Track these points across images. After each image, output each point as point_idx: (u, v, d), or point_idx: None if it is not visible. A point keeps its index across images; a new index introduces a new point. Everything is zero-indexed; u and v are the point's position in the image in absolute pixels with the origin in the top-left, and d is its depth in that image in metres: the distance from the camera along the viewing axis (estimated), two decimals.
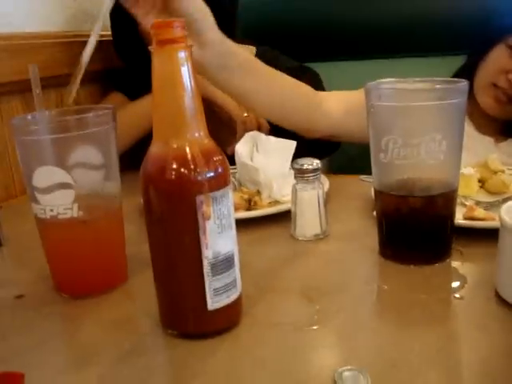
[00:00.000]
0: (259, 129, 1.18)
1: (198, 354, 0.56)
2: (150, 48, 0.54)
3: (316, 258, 0.77)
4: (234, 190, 0.99)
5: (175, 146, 0.55)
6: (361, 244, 0.79)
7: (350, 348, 0.55)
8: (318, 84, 1.36)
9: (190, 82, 0.54)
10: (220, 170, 0.56)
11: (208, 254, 0.55)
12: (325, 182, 0.99)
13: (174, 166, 0.54)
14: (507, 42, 1.33)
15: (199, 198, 0.54)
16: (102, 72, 1.43)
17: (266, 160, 0.95)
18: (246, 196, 0.92)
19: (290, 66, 1.33)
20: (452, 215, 0.72)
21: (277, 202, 0.93)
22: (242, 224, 0.85)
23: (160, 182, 0.55)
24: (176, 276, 0.58)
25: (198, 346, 0.58)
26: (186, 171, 0.54)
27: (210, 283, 0.56)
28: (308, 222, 0.81)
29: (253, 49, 1.38)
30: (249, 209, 0.91)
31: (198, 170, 0.54)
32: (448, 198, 0.70)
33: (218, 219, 0.55)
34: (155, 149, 0.56)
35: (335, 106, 1.12)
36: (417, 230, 0.71)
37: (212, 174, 0.55)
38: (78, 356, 0.59)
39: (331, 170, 1.41)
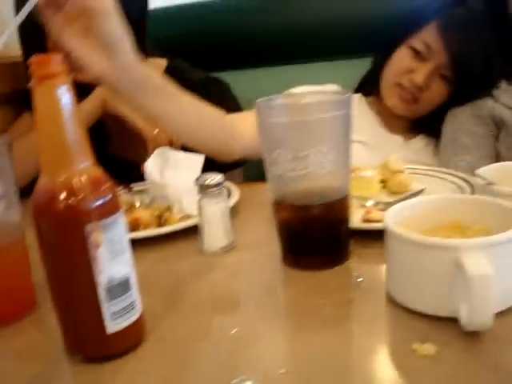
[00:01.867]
0: (171, 145, 1.19)
1: (102, 378, 0.58)
2: (30, 84, 0.55)
3: (223, 270, 0.79)
4: (146, 207, 1.00)
5: (62, 178, 0.56)
6: (266, 253, 0.81)
7: (246, 358, 0.58)
8: (227, 94, 1.39)
9: (71, 114, 0.56)
10: (109, 197, 0.57)
11: (102, 281, 0.57)
12: (235, 192, 1.02)
13: (62, 197, 0.55)
14: (409, 44, 1.39)
15: (88, 227, 0.55)
16: (14, 93, 1.42)
17: (175, 175, 0.97)
18: (156, 212, 0.94)
19: (199, 77, 1.35)
20: (346, 220, 0.75)
21: (189, 217, 0.94)
22: (151, 241, 0.87)
23: (49, 213, 0.56)
24: (72, 303, 0.59)
25: (102, 369, 0.59)
26: (73, 201, 0.55)
27: (108, 308, 0.58)
28: (214, 236, 0.83)
29: (163, 62, 1.39)
30: (160, 225, 0.93)
31: (86, 199, 0.56)
32: (341, 204, 0.74)
33: (110, 245, 0.57)
34: (43, 181, 0.57)
35: (247, 129, 1.13)
36: (313, 236, 0.74)
37: (100, 202, 0.57)
38: None
39: (248, 177, 1.44)
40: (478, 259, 0.55)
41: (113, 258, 0.57)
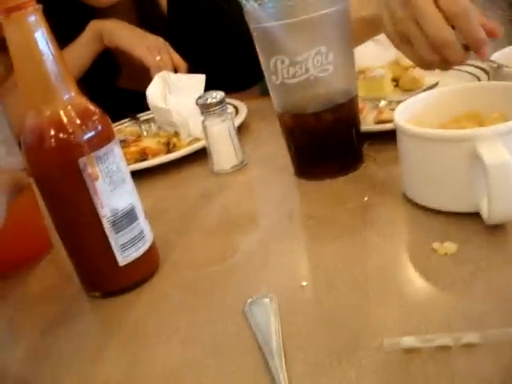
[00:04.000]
0: (176, 70, 1.15)
1: (120, 309, 0.57)
2: None
3: (235, 190, 0.77)
4: (153, 135, 0.98)
5: (48, 112, 0.53)
6: (279, 167, 0.79)
7: (263, 277, 0.56)
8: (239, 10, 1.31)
9: (48, 44, 0.52)
10: (100, 127, 0.55)
11: (105, 213, 0.55)
12: (242, 109, 0.98)
13: (52, 134, 0.53)
14: None
15: (82, 161, 0.53)
16: None
17: (179, 98, 0.94)
18: (163, 140, 0.91)
19: None
20: (356, 123, 0.72)
21: (198, 140, 0.92)
22: (162, 169, 0.85)
23: (41, 151, 0.54)
24: (80, 240, 0.58)
25: (119, 301, 0.59)
26: (63, 136, 0.53)
27: (116, 240, 0.57)
28: (223, 155, 0.81)
29: None
30: (169, 151, 0.90)
31: (75, 132, 0.53)
32: (349, 107, 0.70)
33: (108, 177, 0.55)
34: (30, 119, 0.54)
35: None
36: (323, 144, 0.71)
37: (91, 134, 0.54)
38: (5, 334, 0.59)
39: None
40: (495, 147, 0.51)
41: (113, 189, 0.56)
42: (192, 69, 1.12)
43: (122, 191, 0.57)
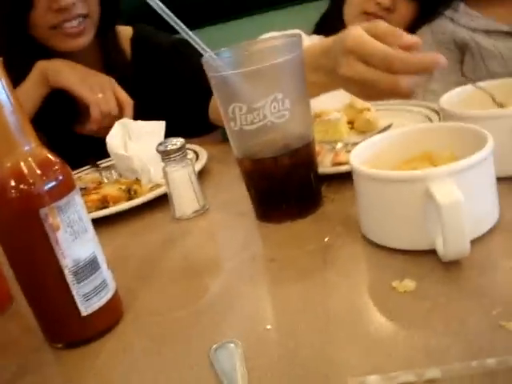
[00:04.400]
0: (121, 106, 1.16)
1: (84, 361, 0.56)
2: None
3: (197, 235, 0.78)
4: (114, 182, 0.98)
5: (9, 164, 0.54)
6: (240, 211, 0.79)
7: (227, 321, 0.57)
8: (199, 55, 1.35)
9: (7, 96, 0.53)
10: (60, 177, 0.55)
11: (67, 263, 0.55)
12: (202, 154, 1.00)
13: (12, 184, 0.53)
14: None
15: (43, 211, 0.53)
16: None
17: (139, 145, 0.94)
18: (123, 186, 0.92)
19: (169, 40, 1.32)
20: (314, 166, 0.74)
21: (159, 186, 0.92)
22: (123, 217, 0.85)
23: (1, 202, 0.54)
24: (42, 291, 0.57)
25: (83, 352, 0.58)
26: (24, 187, 0.53)
27: (78, 290, 0.56)
28: (185, 201, 0.81)
29: (129, 31, 1.35)
30: (130, 198, 0.90)
31: (36, 183, 0.53)
32: (306, 151, 0.72)
33: (69, 227, 0.55)
34: None
35: None
36: (282, 187, 0.72)
37: (52, 184, 0.54)
38: None
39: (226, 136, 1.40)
40: (446, 187, 0.53)
41: (75, 239, 0.55)
42: (154, 114, 1.12)
43: (84, 240, 0.57)
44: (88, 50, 1.23)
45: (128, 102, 1.18)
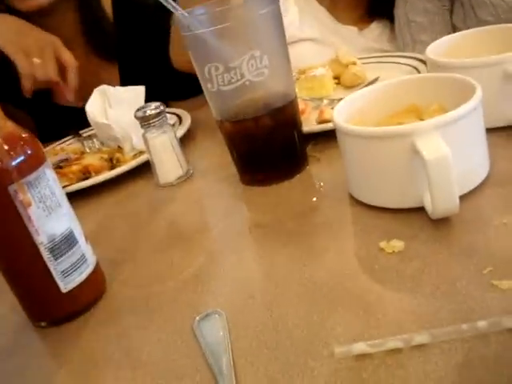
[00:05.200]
0: (63, 70, 1.07)
1: (68, 337, 0.55)
2: None
3: (181, 203, 0.75)
4: (96, 152, 0.95)
5: None
6: (224, 176, 0.77)
7: (212, 291, 0.55)
8: None
9: None
10: (29, 151, 0.53)
11: (42, 240, 0.53)
12: (186, 118, 0.97)
13: None
14: None
15: (12, 188, 0.51)
16: None
17: (119, 112, 0.91)
18: (105, 156, 0.89)
19: None
20: (297, 125, 0.71)
21: (142, 153, 0.89)
22: (107, 187, 0.83)
23: None
24: (19, 269, 0.55)
25: (67, 328, 0.56)
26: None
27: (56, 267, 0.54)
28: (167, 167, 0.79)
29: None
30: (113, 167, 0.88)
31: (3, 159, 0.51)
32: (289, 110, 0.69)
33: (41, 202, 0.53)
34: None
35: None
36: (266, 149, 0.70)
37: (20, 159, 0.52)
38: None
39: None
40: (433, 141, 0.51)
41: (49, 215, 0.53)
42: (140, 78, 1.06)
43: (59, 215, 0.54)
44: (65, 12, 1.16)
45: (71, 63, 1.07)
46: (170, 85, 1.11)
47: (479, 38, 0.77)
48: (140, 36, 1.24)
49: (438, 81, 0.64)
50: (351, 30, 1.40)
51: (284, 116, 0.69)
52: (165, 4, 0.63)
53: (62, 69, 1.07)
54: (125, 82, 1.08)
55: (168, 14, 1.18)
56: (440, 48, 0.76)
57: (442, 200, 0.51)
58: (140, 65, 1.21)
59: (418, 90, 0.64)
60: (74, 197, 0.80)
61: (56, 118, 1.12)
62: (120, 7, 1.24)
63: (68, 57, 1.07)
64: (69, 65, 1.06)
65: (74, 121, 1.08)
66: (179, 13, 0.64)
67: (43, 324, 0.58)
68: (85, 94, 1.14)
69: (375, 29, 1.41)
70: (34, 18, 1.10)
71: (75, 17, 1.20)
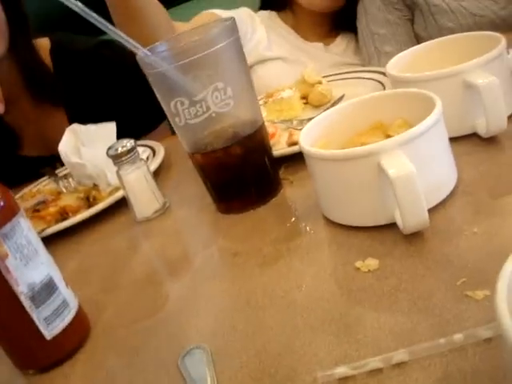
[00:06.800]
0: None
1: None
2: None
3: (160, 236, 0.76)
4: (73, 191, 0.95)
5: None
6: (201, 206, 0.77)
7: (192, 325, 0.55)
8: (123, 53, 1.31)
9: None
10: (1, 203, 0.53)
11: (22, 289, 0.53)
12: (159, 151, 0.97)
13: None
14: None
15: None
16: None
17: (92, 150, 0.92)
18: (82, 195, 0.89)
19: (88, 45, 1.28)
20: (267, 150, 0.72)
21: (118, 188, 0.90)
22: (86, 226, 0.83)
23: None
24: (2, 321, 0.56)
25: (54, 375, 0.56)
26: None
27: (38, 315, 0.55)
28: (143, 202, 0.79)
29: (46, 42, 1.30)
30: (90, 205, 0.88)
31: None
32: (257, 136, 0.70)
33: (18, 252, 0.53)
34: None
35: None
36: (238, 177, 0.71)
37: None
38: None
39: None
40: (396, 159, 0.52)
41: (27, 264, 0.54)
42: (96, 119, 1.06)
43: (37, 263, 0.55)
44: (6, 70, 1.17)
45: None
46: (131, 120, 1.12)
47: (440, 49, 0.78)
48: (83, 80, 1.27)
49: (399, 96, 0.65)
50: (317, 47, 1.42)
51: (253, 143, 0.70)
52: (126, 44, 0.64)
53: None
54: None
55: (107, 58, 1.23)
56: (402, 61, 0.78)
57: (411, 215, 0.52)
58: (88, 107, 1.24)
59: (382, 107, 0.66)
60: (53, 239, 0.81)
61: (23, 169, 1.14)
62: (58, 57, 1.28)
63: None
64: None
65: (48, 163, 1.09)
66: (141, 51, 0.65)
67: (31, 372, 0.58)
68: (41, 141, 1.16)
69: (341, 43, 1.44)
70: None
71: (17, 73, 1.22)
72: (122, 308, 0.63)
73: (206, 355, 0.49)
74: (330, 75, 1.00)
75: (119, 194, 0.86)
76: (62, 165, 0.99)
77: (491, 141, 0.65)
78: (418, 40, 1.28)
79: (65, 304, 0.57)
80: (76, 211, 0.87)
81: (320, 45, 1.42)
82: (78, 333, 0.59)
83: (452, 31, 1.12)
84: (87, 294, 0.64)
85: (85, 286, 0.66)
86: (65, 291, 0.58)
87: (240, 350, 0.49)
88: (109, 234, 0.82)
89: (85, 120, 0.97)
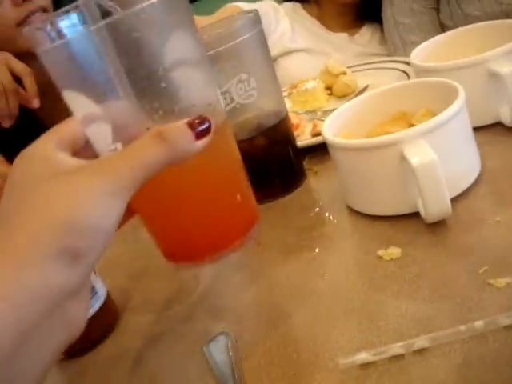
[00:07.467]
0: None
1: (83, 370, 0.57)
2: None
3: None
4: None
5: None
6: None
7: (218, 312, 0.56)
8: None
9: None
10: None
11: None
12: None
13: None
14: None
15: None
16: None
17: None
18: None
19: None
20: (291, 140, 0.72)
21: None
22: None
23: None
24: None
25: (82, 361, 0.58)
26: None
27: None
28: None
29: None
30: None
31: None
32: (281, 127, 0.71)
33: None
34: None
35: None
36: (262, 167, 0.71)
37: None
38: None
39: None
40: (420, 148, 0.52)
41: None
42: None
43: None
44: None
45: (25, 72, 1.07)
46: None
47: (464, 37, 0.78)
48: None
49: (423, 86, 0.65)
50: (342, 37, 1.42)
51: (277, 134, 0.70)
52: None
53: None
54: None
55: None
56: (426, 51, 0.77)
57: (433, 204, 0.52)
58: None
59: (405, 97, 0.66)
60: None
61: None
62: None
63: (20, 66, 1.08)
64: (23, 73, 1.07)
65: None
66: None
67: (60, 358, 0.60)
68: None
69: (365, 33, 1.43)
70: (27, 59, 1.13)
71: None
72: (148, 295, 0.64)
73: (230, 341, 0.50)
74: (355, 65, 1.00)
75: None
76: None
77: None
78: (444, 29, 1.26)
79: (93, 292, 0.58)
80: None
81: (345, 35, 1.42)
82: (106, 320, 0.60)
83: (478, 19, 1.10)
84: (115, 282, 0.65)
85: (113, 274, 0.68)
86: (94, 279, 0.59)
87: (264, 337, 0.50)
88: (137, 222, 0.83)
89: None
